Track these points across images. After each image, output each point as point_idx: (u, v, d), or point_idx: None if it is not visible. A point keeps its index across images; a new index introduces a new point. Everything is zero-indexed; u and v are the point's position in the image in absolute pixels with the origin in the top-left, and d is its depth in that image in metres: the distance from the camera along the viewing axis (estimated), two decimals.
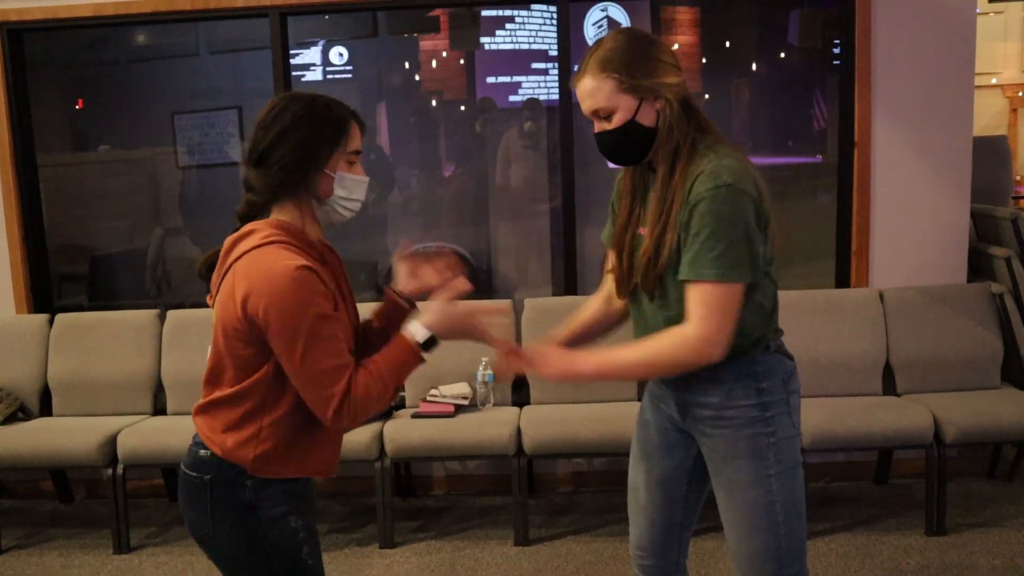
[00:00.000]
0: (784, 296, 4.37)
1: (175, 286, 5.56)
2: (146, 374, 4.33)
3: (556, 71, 4.56)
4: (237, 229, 1.92)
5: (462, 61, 5.87)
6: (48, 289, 4.74)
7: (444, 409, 4.00)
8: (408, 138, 5.85)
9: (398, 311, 2.08)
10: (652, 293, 2.05)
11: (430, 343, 1.91)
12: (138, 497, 4.50)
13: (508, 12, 5.49)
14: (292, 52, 4.61)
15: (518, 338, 4.27)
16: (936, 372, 4.12)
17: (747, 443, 2.06)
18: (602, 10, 5.17)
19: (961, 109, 4.26)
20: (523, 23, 5.56)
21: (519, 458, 3.84)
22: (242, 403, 1.87)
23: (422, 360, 1.92)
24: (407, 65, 5.95)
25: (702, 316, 1.93)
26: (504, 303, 4.34)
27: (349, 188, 1.92)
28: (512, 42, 5.57)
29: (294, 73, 4.75)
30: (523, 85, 5.64)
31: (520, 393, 4.27)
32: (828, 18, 4.88)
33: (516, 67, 5.62)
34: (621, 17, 5.17)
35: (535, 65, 5.63)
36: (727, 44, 5.81)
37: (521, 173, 5.32)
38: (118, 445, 3.94)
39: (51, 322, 4.44)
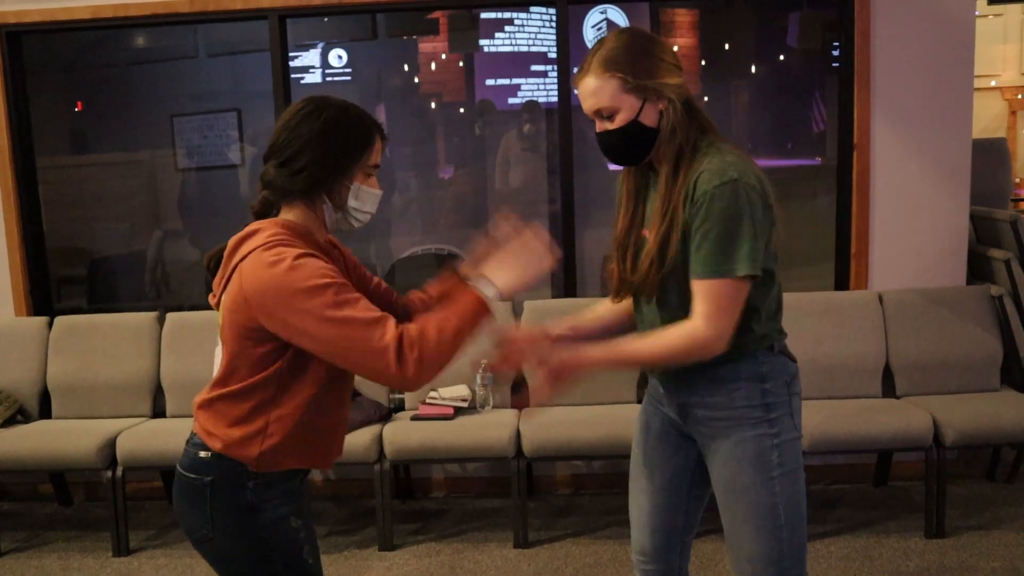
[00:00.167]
0: (784, 298, 4.37)
1: (174, 288, 5.56)
2: (145, 376, 4.33)
3: (555, 73, 4.55)
4: (240, 227, 1.91)
5: (461, 63, 5.87)
6: (47, 291, 4.73)
7: (443, 411, 4.00)
8: (407, 140, 5.85)
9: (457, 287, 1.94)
10: (653, 295, 2.05)
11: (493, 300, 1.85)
12: (137, 499, 4.49)
13: (507, 14, 5.49)
14: (291, 54, 4.61)
15: None
16: (936, 374, 4.11)
17: (750, 445, 2.05)
18: (601, 12, 5.17)
19: (960, 111, 4.26)
20: (522, 25, 5.56)
21: (518, 460, 3.83)
22: (250, 398, 1.85)
23: (484, 307, 1.82)
24: (406, 67, 5.95)
25: (711, 312, 1.93)
26: (504, 304, 4.34)
27: (363, 200, 1.92)
28: (511, 44, 5.57)
29: (293, 75, 4.75)
30: (522, 87, 5.64)
31: (519, 395, 4.27)
32: (827, 20, 4.89)
33: (515, 69, 5.62)
34: (620, 19, 5.18)
35: (534, 67, 5.63)
36: (726, 46, 5.81)
37: (520, 175, 5.33)
38: (117, 447, 3.93)
39: (50, 324, 4.44)
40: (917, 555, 3.64)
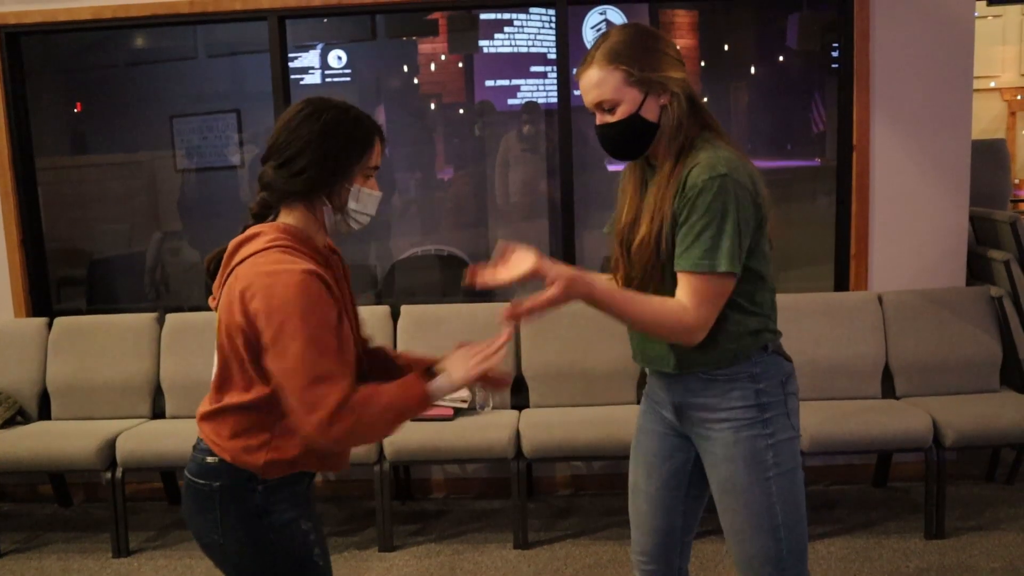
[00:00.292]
0: (783, 299, 4.36)
1: (174, 289, 5.56)
2: (145, 377, 4.33)
3: (555, 74, 4.56)
4: (243, 230, 1.91)
5: (461, 64, 5.88)
6: (47, 292, 4.73)
7: (443, 412, 4.00)
8: (407, 141, 5.85)
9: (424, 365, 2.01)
10: (650, 285, 2.05)
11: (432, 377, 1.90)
12: (137, 501, 4.49)
13: (507, 15, 5.50)
14: (291, 55, 4.61)
15: (516, 339, 4.27)
16: (935, 375, 4.12)
17: (745, 445, 2.05)
18: (601, 13, 5.17)
19: (960, 112, 4.27)
20: (522, 26, 5.57)
21: (518, 461, 3.83)
22: (253, 411, 1.85)
23: (425, 396, 1.86)
24: (406, 68, 5.95)
25: (695, 305, 1.95)
26: (504, 305, 4.33)
27: (363, 202, 1.92)
28: (511, 45, 5.58)
29: (293, 76, 4.75)
30: (522, 88, 5.64)
31: (519, 396, 4.27)
32: (827, 21, 4.89)
33: (515, 70, 5.62)
34: (620, 20, 5.17)
35: (534, 68, 5.64)
36: (726, 47, 5.81)
37: (520, 176, 5.33)
38: (117, 449, 3.93)
39: (50, 326, 4.44)
40: (917, 556, 3.64)
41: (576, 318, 4.18)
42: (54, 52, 5.29)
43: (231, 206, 5.45)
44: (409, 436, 3.84)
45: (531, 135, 5.32)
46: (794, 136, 5.65)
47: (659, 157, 2.06)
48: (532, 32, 5.58)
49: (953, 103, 4.25)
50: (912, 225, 4.31)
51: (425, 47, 5.84)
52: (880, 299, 4.22)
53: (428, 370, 1.91)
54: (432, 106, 6.01)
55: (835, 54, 4.58)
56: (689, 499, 2.27)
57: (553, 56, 4.72)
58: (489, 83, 5.80)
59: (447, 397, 4.05)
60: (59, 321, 4.45)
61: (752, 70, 5.74)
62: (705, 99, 5.59)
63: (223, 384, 1.88)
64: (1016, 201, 7.69)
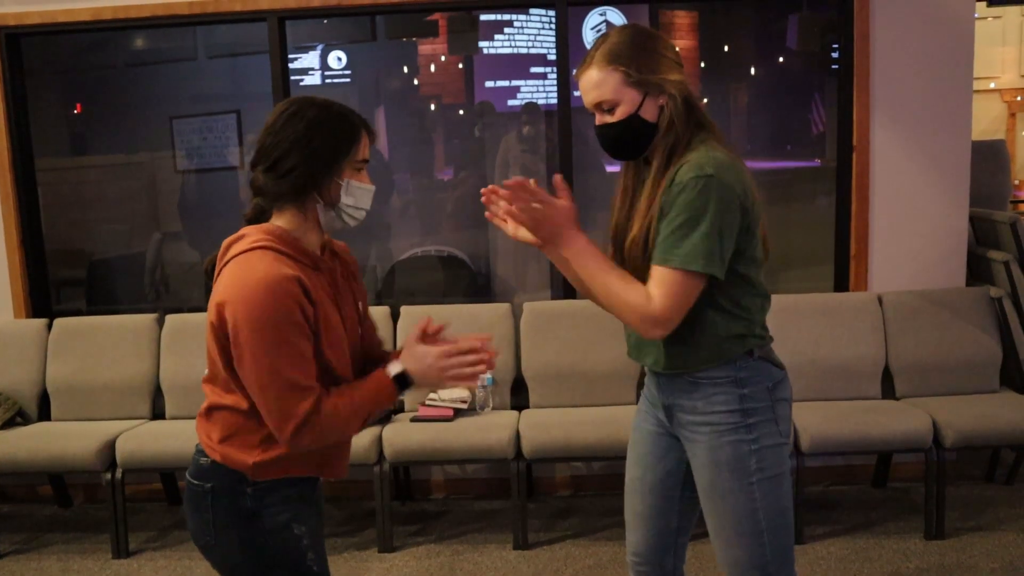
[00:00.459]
0: (783, 300, 4.39)
1: (173, 290, 5.56)
2: (145, 378, 4.33)
3: (555, 75, 4.56)
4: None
5: (461, 65, 5.88)
6: (47, 293, 4.73)
7: (443, 413, 4.00)
8: (407, 142, 5.85)
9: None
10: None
11: (402, 381, 1.89)
12: (137, 501, 4.49)
13: (507, 16, 5.50)
14: (290, 56, 4.61)
15: (517, 341, 4.27)
16: (935, 376, 4.12)
17: (728, 450, 2.06)
18: (600, 14, 5.18)
19: (959, 113, 4.27)
20: (521, 27, 5.57)
21: (518, 462, 3.83)
22: (240, 413, 1.85)
23: (393, 397, 1.89)
24: (406, 69, 5.96)
25: (660, 295, 1.95)
26: (504, 306, 4.34)
27: (356, 196, 1.91)
28: (511, 46, 5.58)
29: (292, 77, 4.75)
30: (522, 89, 5.65)
31: (519, 397, 4.27)
32: (827, 22, 4.89)
33: (515, 71, 5.63)
34: (619, 21, 5.18)
35: (534, 69, 5.64)
36: (726, 48, 5.82)
37: (520, 177, 5.32)
38: (117, 449, 3.93)
39: (49, 326, 4.44)
40: (916, 556, 3.64)
41: (576, 319, 4.18)
42: (54, 53, 5.29)
43: (231, 207, 5.45)
44: (409, 436, 3.84)
45: (531, 136, 5.33)
46: (794, 137, 5.65)
47: (655, 157, 2.07)
48: (532, 33, 5.59)
49: (953, 104, 4.25)
50: (912, 226, 4.31)
51: (425, 48, 5.84)
52: (880, 300, 4.22)
53: (402, 377, 1.90)
54: (432, 107, 6.01)
55: (835, 55, 4.59)
56: (684, 500, 2.27)
57: (553, 57, 4.72)
58: (489, 84, 5.80)
59: (447, 398, 4.07)
60: (59, 322, 4.45)
61: (752, 71, 5.75)
62: (705, 100, 5.60)
63: (212, 378, 1.90)
64: (1016, 202, 7.69)
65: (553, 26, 4.50)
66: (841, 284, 4.43)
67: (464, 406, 4.07)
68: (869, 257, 4.35)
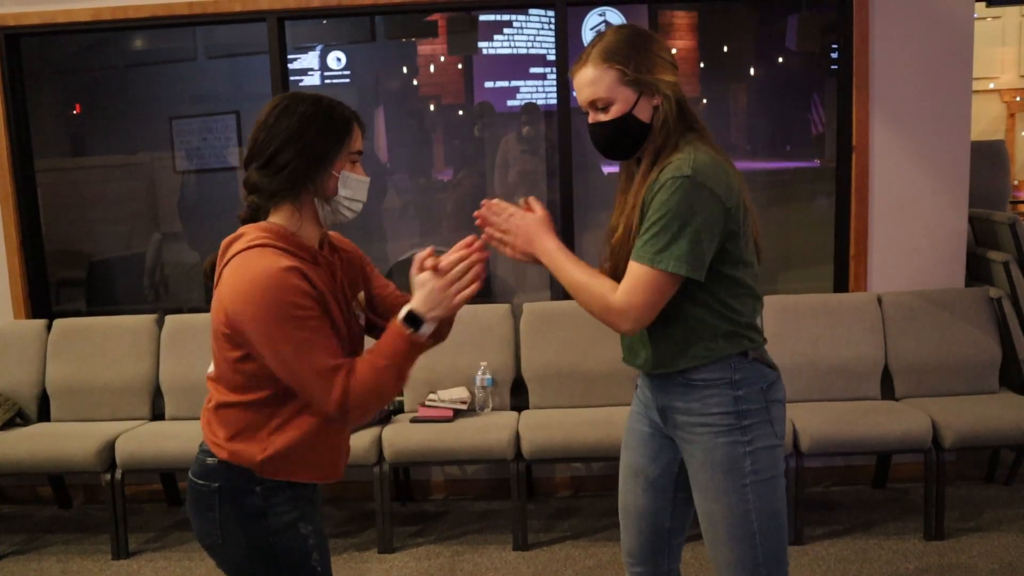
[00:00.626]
0: (783, 300, 4.39)
1: (173, 291, 5.56)
2: (144, 379, 4.33)
3: (554, 76, 4.56)
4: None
5: (460, 66, 5.88)
6: (46, 294, 4.73)
7: (443, 414, 4.00)
8: (406, 142, 5.85)
9: None
10: None
11: (412, 320, 1.86)
12: (136, 502, 4.49)
13: (506, 16, 5.50)
14: (290, 56, 4.61)
15: (517, 341, 4.27)
16: (935, 376, 4.12)
17: (722, 451, 2.06)
18: (600, 14, 5.18)
19: (959, 114, 4.27)
20: (521, 27, 5.57)
21: (518, 463, 3.83)
22: (248, 410, 1.85)
23: (415, 343, 1.86)
24: (405, 70, 5.95)
25: (628, 290, 1.96)
26: (503, 307, 4.34)
27: (352, 188, 1.92)
28: (510, 47, 5.58)
29: (292, 77, 4.75)
30: (521, 90, 5.64)
31: (519, 398, 4.27)
32: (826, 23, 4.89)
33: (514, 71, 5.62)
34: (619, 21, 5.18)
35: (533, 69, 5.64)
36: (725, 49, 5.81)
37: (519, 177, 5.33)
38: (116, 450, 3.93)
39: (49, 327, 4.44)
40: (916, 557, 3.65)
41: (576, 319, 4.18)
42: (53, 54, 5.29)
43: (230, 207, 5.43)
44: (409, 437, 3.84)
45: (530, 136, 5.33)
46: (793, 137, 5.65)
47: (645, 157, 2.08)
48: (531, 33, 5.58)
49: (952, 104, 4.26)
50: (911, 226, 4.32)
51: (424, 48, 5.84)
52: (879, 300, 4.22)
53: (409, 315, 1.87)
54: (431, 107, 6.01)
55: (834, 55, 4.59)
56: (677, 500, 2.26)
57: (552, 57, 4.73)
58: (488, 84, 5.80)
59: (447, 398, 4.07)
60: (59, 323, 4.45)
61: (751, 71, 5.74)
62: (705, 100, 5.60)
63: (217, 382, 1.90)
64: (1015, 202, 7.69)
65: (552, 26, 4.50)
66: (841, 284, 4.43)
67: (464, 407, 4.07)
68: (868, 257, 4.35)
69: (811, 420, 3.76)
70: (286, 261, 1.79)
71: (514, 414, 4.09)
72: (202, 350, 4.19)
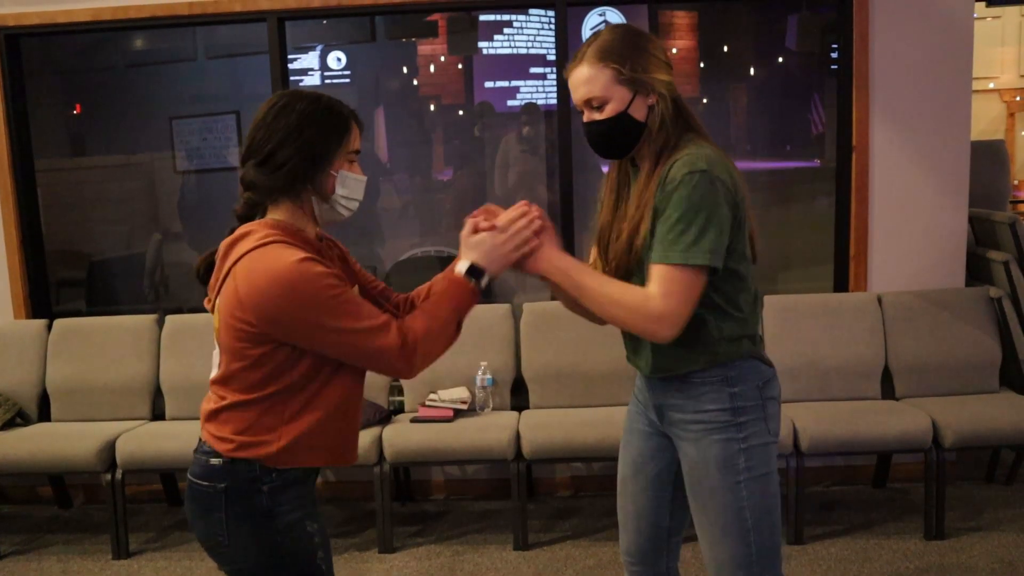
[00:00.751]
0: (783, 300, 4.39)
1: (173, 291, 5.56)
2: (145, 379, 4.33)
3: (554, 76, 4.56)
4: (230, 232, 1.91)
5: (460, 66, 5.88)
6: (46, 294, 4.73)
7: (443, 414, 4.00)
8: (406, 142, 5.85)
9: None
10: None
11: (474, 272, 1.95)
12: (137, 502, 4.49)
13: (506, 17, 5.50)
14: (290, 56, 4.61)
15: (517, 341, 4.27)
16: (935, 376, 4.12)
17: (717, 448, 2.06)
18: (600, 14, 5.18)
19: (959, 113, 4.27)
20: (521, 28, 5.57)
21: (518, 462, 3.83)
22: (262, 405, 1.84)
23: (474, 291, 1.95)
24: (405, 70, 5.96)
25: (664, 294, 1.93)
26: (504, 307, 4.34)
27: (350, 187, 1.92)
28: (510, 47, 5.58)
29: (292, 78, 4.75)
30: (521, 90, 5.65)
31: (519, 398, 4.27)
32: (826, 23, 4.90)
33: (514, 71, 5.63)
34: (619, 21, 5.18)
35: (533, 69, 5.64)
36: (725, 48, 5.82)
37: (519, 177, 5.33)
38: (117, 450, 3.93)
39: (49, 327, 4.44)
40: (916, 556, 3.65)
41: (576, 319, 4.16)
42: (53, 54, 5.29)
43: (231, 208, 5.44)
44: (409, 437, 3.84)
45: (531, 136, 5.33)
46: (793, 137, 5.65)
47: (643, 158, 2.07)
48: (531, 33, 5.59)
49: (952, 104, 4.26)
50: (911, 226, 4.32)
51: (424, 48, 5.84)
52: (879, 300, 4.22)
53: (472, 268, 1.96)
54: (431, 107, 6.01)
55: (834, 55, 4.59)
56: (675, 499, 2.26)
57: (552, 57, 4.73)
58: (488, 84, 5.80)
59: (447, 398, 4.07)
60: (59, 323, 4.45)
61: (751, 71, 5.75)
62: (704, 100, 5.60)
63: (228, 381, 1.87)
64: (1015, 202, 7.69)
65: (552, 26, 4.50)
66: (841, 284, 4.43)
67: (464, 407, 4.07)
68: (868, 257, 4.35)
69: (811, 420, 3.76)
70: (301, 253, 1.79)
71: (514, 414, 4.10)
72: (202, 350, 4.19)
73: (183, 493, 1.97)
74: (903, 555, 3.66)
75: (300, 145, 1.84)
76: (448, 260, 5.30)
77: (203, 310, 1.98)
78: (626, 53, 2.00)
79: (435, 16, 5.38)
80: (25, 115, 4.61)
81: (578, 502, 4.41)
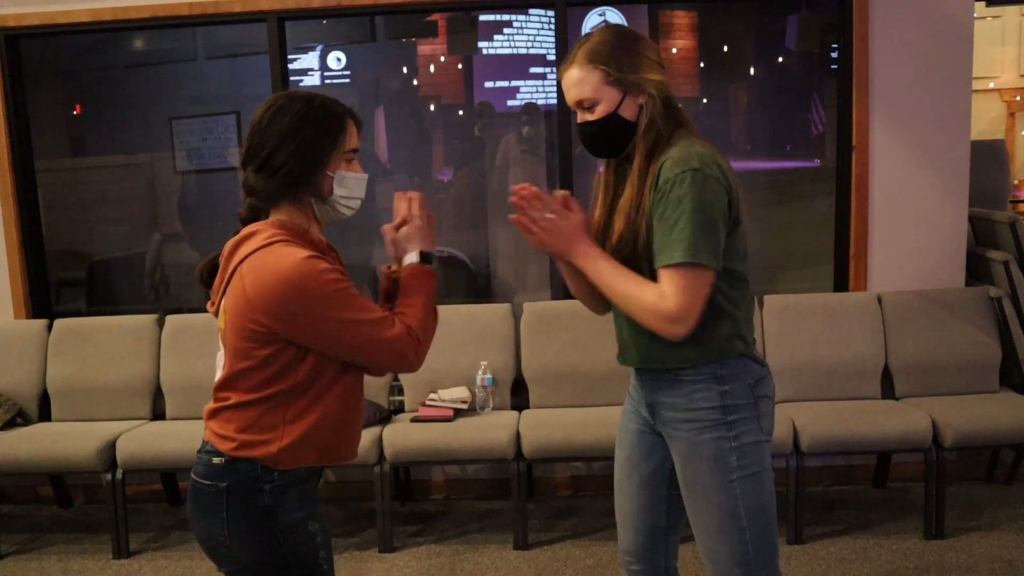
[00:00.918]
0: (783, 300, 4.39)
1: (173, 291, 5.56)
2: (145, 379, 4.33)
3: (554, 75, 4.56)
4: (237, 232, 1.91)
5: (460, 66, 5.89)
6: (47, 294, 4.73)
7: (443, 413, 4.00)
8: (406, 142, 5.85)
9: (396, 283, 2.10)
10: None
11: (425, 258, 2.02)
12: (137, 502, 4.49)
13: (506, 17, 5.51)
14: (290, 57, 4.61)
15: (517, 341, 4.27)
16: (935, 376, 4.12)
17: (709, 446, 2.06)
18: (600, 14, 5.18)
19: (959, 113, 4.27)
20: (521, 27, 5.58)
21: (518, 462, 3.84)
22: (266, 405, 1.84)
23: (432, 272, 2.01)
24: (405, 70, 5.96)
25: (674, 294, 1.94)
26: (504, 307, 4.34)
27: (349, 187, 1.92)
28: (510, 47, 5.59)
29: (292, 78, 4.76)
30: (521, 89, 5.65)
31: (519, 397, 4.27)
32: (826, 23, 4.89)
33: (514, 71, 5.63)
34: (619, 21, 5.18)
35: (533, 69, 5.65)
36: (725, 49, 5.82)
37: (519, 177, 5.33)
38: (117, 450, 3.93)
39: (50, 327, 4.44)
40: (916, 556, 3.65)
41: (576, 319, 4.18)
42: (54, 54, 5.29)
43: (231, 208, 5.40)
44: (409, 437, 3.84)
45: (530, 136, 5.33)
46: (793, 137, 5.66)
47: (636, 156, 2.08)
48: (531, 33, 5.59)
49: (952, 104, 4.26)
50: (911, 226, 4.32)
51: (424, 48, 5.85)
52: (879, 299, 4.22)
53: (421, 255, 2.04)
54: (431, 107, 6.01)
55: (834, 55, 4.59)
56: (672, 498, 2.26)
57: (552, 57, 4.74)
58: (488, 84, 5.81)
59: (447, 398, 4.08)
60: (59, 323, 4.45)
61: (751, 71, 5.75)
62: (704, 100, 5.61)
63: (233, 382, 1.87)
64: (1015, 202, 7.69)
65: (552, 26, 4.50)
66: (841, 284, 4.43)
67: (464, 406, 4.08)
68: (868, 257, 4.35)
69: (811, 420, 3.76)
70: (305, 251, 1.80)
71: (514, 414, 4.10)
72: (203, 350, 4.19)
73: (183, 493, 1.96)
74: (903, 555, 3.67)
75: (295, 148, 1.84)
76: (448, 260, 5.31)
77: (204, 309, 1.98)
78: (615, 54, 2.03)
79: (435, 16, 5.38)
80: (25, 115, 4.61)
81: (578, 502, 4.41)
